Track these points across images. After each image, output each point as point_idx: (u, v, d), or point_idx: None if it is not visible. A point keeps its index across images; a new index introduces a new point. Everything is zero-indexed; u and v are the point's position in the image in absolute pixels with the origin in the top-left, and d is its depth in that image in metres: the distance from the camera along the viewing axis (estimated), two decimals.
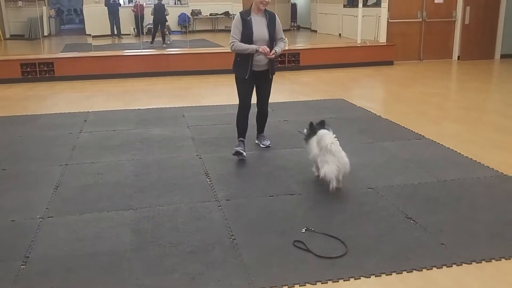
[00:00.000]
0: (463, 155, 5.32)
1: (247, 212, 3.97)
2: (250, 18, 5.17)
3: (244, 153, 5.29)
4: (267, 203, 4.14)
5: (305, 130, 4.90)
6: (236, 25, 5.18)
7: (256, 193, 4.36)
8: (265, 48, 5.07)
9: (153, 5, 16.25)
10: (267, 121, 5.81)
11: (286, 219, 3.83)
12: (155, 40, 15.76)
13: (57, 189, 4.52)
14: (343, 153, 4.31)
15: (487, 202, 4.12)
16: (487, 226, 3.67)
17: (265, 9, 5.23)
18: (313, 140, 4.61)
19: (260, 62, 5.21)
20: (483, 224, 3.71)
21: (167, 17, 15.99)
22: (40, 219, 3.89)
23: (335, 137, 4.39)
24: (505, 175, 4.71)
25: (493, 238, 3.49)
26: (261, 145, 5.74)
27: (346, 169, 4.29)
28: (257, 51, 5.09)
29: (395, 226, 3.69)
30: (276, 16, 5.34)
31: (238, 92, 5.40)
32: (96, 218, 3.89)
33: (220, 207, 4.06)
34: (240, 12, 5.27)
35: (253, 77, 5.25)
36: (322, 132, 4.55)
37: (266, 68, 5.28)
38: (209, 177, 4.76)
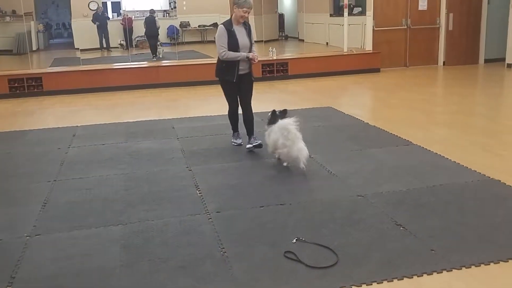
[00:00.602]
0: (450, 160, 5.36)
1: (238, 224, 3.97)
2: (233, 29, 5.72)
3: (241, 141, 6.13)
4: (258, 214, 4.14)
5: (268, 116, 5.53)
6: (222, 35, 5.71)
7: (247, 204, 4.37)
8: (254, 55, 5.77)
9: (144, 18, 16.17)
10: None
11: (277, 229, 3.83)
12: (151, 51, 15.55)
13: (45, 206, 4.49)
14: (301, 141, 5.09)
15: (475, 207, 4.15)
16: (476, 231, 3.70)
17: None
18: (275, 126, 5.29)
19: (244, 67, 5.84)
20: (472, 228, 3.74)
21: (158, 30, 15.87)
22: (27, 237, 3.84)
23: (296, 127, 5.12)
24: (491, 179, 4.75)
25: (482, 243, 3.52)
26: (254, 143, 5.94)
27: (302, 154, 4.98)
28: (247, 57, 5.72)
29: (385, 233, 3.70)
30: (250, 24, 5.99)
31: (225, 95, 6.03)
32: (85, 235, 3.86)
33: (210, 219, 4.06)
34: (223, 24, 5.79)
35: (238, 80, 5.83)
36: (285, 120, 5.23)
37: (247, 72, 5.90)
38: (199, 190, 4.75)
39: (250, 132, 6.05)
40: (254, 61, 5.79)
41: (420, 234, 3.66)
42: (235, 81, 5.81)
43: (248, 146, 5.98)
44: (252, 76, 6.02)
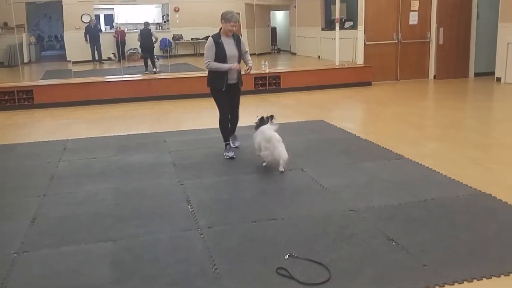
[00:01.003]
0: (441, 173, 5.36)
1: (229, 240, 3.93)
2: (221, 40, 6.08)
3: (233, 154, 6.31)
4: (250, 229, 4.11)
5: (257, 121, 5.97)
6: (210, 47, 6.10)
7: (238, 219, 4.33)
8: (237, 66, 6.11)
9: (139, 30, 16.09)
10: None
11: (269, 245, 3.80)
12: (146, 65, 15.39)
13: (34, 221, 4.43)
14: (282, 145, 5.53)
15: (467, 221, 4.14)
16: (467, 245, 3.69)
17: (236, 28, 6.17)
18: (258, 132, 5.80)
19: (233, 76, 6.21)
20: (463, 243, 3.73)
21: (154, 42, 15.74)
22: (15, 254, 3.77)
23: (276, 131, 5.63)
24: (483, 192, 4.75)
25: (474, 257, 3.50)
26: (233, 146, 6.57)
27: (281, 156, 5.49)
28: (230, 69, 6.06)
29: (377, 248, 3.69)
30: (240, 36, 6.43)
31: (217, 103, 6.35)
32: (74, 251, 3.81)
33: (202, 235, 4.02)
34: (212, 36, 6.16)
35: (227, 89, 6.18)
36: (267, 126, 5.75)
37: (236, 81, 6.28)
38: (190, 204, 4.72)
39: (232, 130, 6.62)
40: (237, 68, 6.16)
41: (412, 249, 3.64)
42: (224, 90, 6.18)
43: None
44: (240, 84, 6.39)
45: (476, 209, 4.40)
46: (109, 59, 18.65)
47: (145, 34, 15.27)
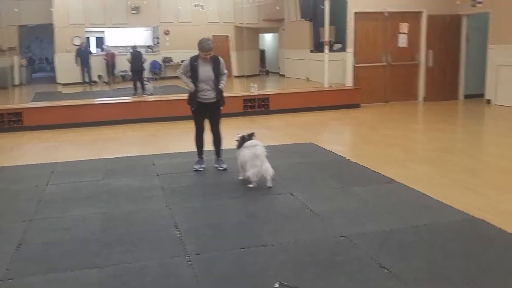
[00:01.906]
0: (433, 198, 5.33)
1: (218, 267, 3.85)
2: (197, 63, 6.44)
3: (203, 167, 6.69)
4: (239, 256, 4.04)
5: (237, 137, 6.09)
6: (185, 65, 6.56)
7: (227, 245, 4.26)
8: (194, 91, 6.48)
9: (129, 53, 16.05)
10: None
11: (259, 273, 3.73)
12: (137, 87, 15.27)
13: (19, 247, 4.34)
14: (267, 161, 5.69)
15: (460, 248, 4.10)
16: (462, 274, 3.64)
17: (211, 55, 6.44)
18: (244, 149, 5.88)
19: (208, 96, 6.51)
20: (458, 271, 3.68)
21: (144, 64, 15.66)
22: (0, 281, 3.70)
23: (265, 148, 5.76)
24: (475, 218, 4.72)
25: (469, 286, 3.46)
26: (219, 168, 6.73)
27: (268, 172, 5.66)
28: (194, 90, 6.46)
29: (368, 276, 3.62)
30: (220, 58, 6.62)
31: (193, 119, 6.75)
32: (60, 279, 3.72)
33: (189, 262, 3.94)
34: (190, 57, 6.55)
35: (201, 107, 6.55)
36: (253, 142, 5.87)
37: (214, 101, 6.54)
38: (178, 230, 4.64)
39: (217, 153, 6.83)
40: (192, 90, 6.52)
41: (405, 277, 3.59)
42: (195, 109, 6.59)
43: (214, 165, 6.79)
44: (219, 104, 6.62)
45: (469, 236, 4.36)
46: (95, 82, 18.62)
47: (136, 56, 15.21)
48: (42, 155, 8.22)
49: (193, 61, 6.47)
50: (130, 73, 16.23)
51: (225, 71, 6.69)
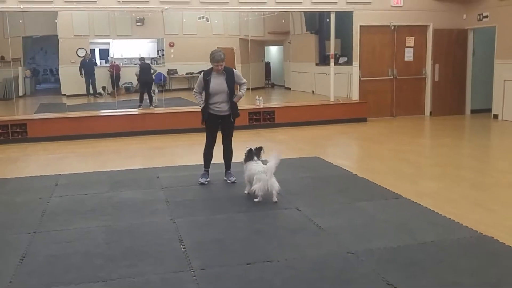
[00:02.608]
0: (441, 214, 5.26)
1: (223, 283, 3.80)
2: (210, 77, 6.49)
3: (208, 180, 6.70)
4: (244, 271, 3.98)
5: (246, 153, 6.08)
6: (199, 82, 6.60)
7: (233, 260, 4.21)
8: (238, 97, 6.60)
9: (138, 65, 16.03)
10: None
11: None
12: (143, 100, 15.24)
13: (23, 259, 4.30)
14: (273, 176, 5.69)
15: (469, 265, 4.03)
16: None
17: (224, 67, 6.46)
18: (252, 163, 5.91)
19: (220, 108, 6.54)
20: None
21: (153, 76, 15.62)
22: None
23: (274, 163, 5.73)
24: (484, 235, 4.65)
25: None
26: (228, 181, 6.76)
27: (274, 187, 5.68)
28: (200, 107, 6.66)
29: None
30: (234, 70, 6.69)
31: (205, 130, 6.75)
32: None
33: (194, 277, 3.89)
34: (203, 72, 6.62)
35: (214, 120, 6.60)
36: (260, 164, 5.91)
37: (227, 114, 6.57)
38: (183, 244, 4.59)
39: (227, 166, 6.87)
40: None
41: None
42: (208, 120, 6.60)
43: (224, 178, 6.83)
44: (233, 118, 6.62)
45: (478, 253, 4.29)
46: (99, 94, 18.64)
47: (145, 68, 15.17)
48: (47, 166, 8.20)
49: (206, 76, 6.52)
50: (134, 85, 16.22)
51: (244, 80, 6.72)
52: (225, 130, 6.73)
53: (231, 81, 6.53)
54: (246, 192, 6.08)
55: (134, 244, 4.62)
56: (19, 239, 4.80)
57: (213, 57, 6.37)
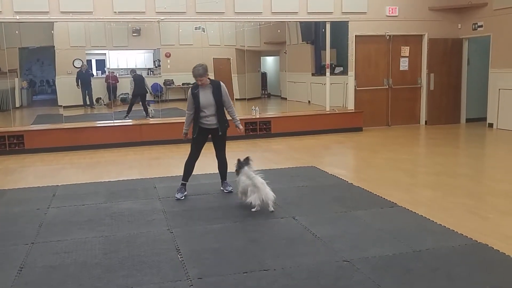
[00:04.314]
0: (436, 222, 5.30)
1: None
2: (198, 90, 6.45)
3: (185, 195, 6.60)
4: (241, 280, 4.01)
5: (235, 165, 6.19)
6: (189, 99, 6.55)
7: (229, 269, 4.23)
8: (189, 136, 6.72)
9: (131, 76, 16.09)
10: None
11: None
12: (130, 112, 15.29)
13: (21, 270, 4.32)
14: (267, 186, 5.78)
15: (464, 273, 4.06)
16: None
17: (210, 80, 6.48)
18: (244, 174, 5.94)
19: (209, 121, 6.50)
20: None
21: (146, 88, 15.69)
22: None
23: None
24: (479, 243, 4.69)
25: None
26: (225, 191, 6.80)
27: (269, 197, 5.72)
28: (184, 133, 6.75)
29: None
30: (221, 83, 6.55)
31: (191, 143, 6.70)
32: None
33: (191, 286, 3.91)
34: (191, 87, 6.58)
35: (203, 133, 6.57)
36: (248, 172, 5.91)
37: (215, 127, 6.51)
38: (180, 254, 4.61)
39: (222, 177, 6.88)
40: (186, 137, 6.79)
41: None
42: (196, 136, 6.57)
43: (221, 188, 6.87)
44: (220, 131, 6.54)
45: (473, 261, 4.33)
46: (97, 102, 18.65)
47: (139, 80, 15.26)
48: (44, 177, 8.22)
49: (194, 90, 6.51)
50: (130, 96, 16.27)
51: (231, 103, 6.65)
52: (217, 143, 6.69)
53: (218, 94, 6.45)
54: (240, 201, 6.17)
55: (132, 254, 4.64)
56: (17, 250, 4.81)
57: (193, 73, 6.35)
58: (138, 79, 15.23)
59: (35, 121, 13.88)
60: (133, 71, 15.62)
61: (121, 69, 19.83)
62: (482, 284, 3.86)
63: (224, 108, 6.57)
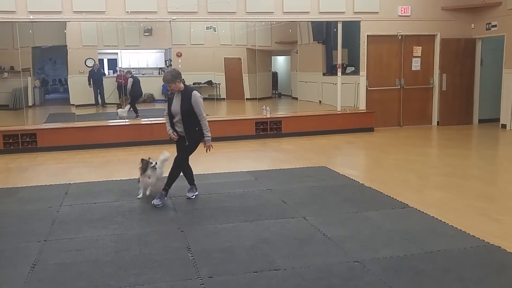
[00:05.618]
0: (448, 224, 5.28)
1: None
2: (173, 96, 6.32)
3: (162, 203, 6.27)
4: (251, 280, 4.02)
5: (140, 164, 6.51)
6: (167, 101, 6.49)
7: (240, 269, 4.25)
8: (174, 136, 6.46)
9: (131, 79, 16.31)
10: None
11: None
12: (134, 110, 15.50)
13: (34, 267, 4.36)
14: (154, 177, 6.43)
15: (476, 275, 4.05)
16: None
17: (185, 87, 6.28)
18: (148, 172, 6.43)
19: (179, 128, 6.33)
20: None
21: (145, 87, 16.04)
22: None
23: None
24: (491, 245, 4.66)
25: None
26: (187, 197, 6.62)
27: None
28: (169, 134, 6.50)
29: None
30: (194, 93, 6.22)
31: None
32: None
33: (202, 285, 3.93)
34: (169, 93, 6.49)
35: (180, 137, 6.40)
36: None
37: (183, 135, 6.34)
38: (191, 252, 4.64)
39: (188, 181, 6.76)
40: (174, 138, 6.56)
41: None
42: (176, 138, 6.48)
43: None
44: (187, 141, 6.33)
45: (485, 263, 4.31)
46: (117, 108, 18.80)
47: (137, 82, 15.65)
48: (56, 176, 8.28)
49: (170, 94, 6.45)
50: (143, 96, 16.47)
51: (202, 115, 6.26)
52: (180, 146, 6.50)
53: (186, 104, 6.15)
54: (140, 196, 6.58)
55: (143, 252, 4.67)
56: (30, 248, 4.86)
57: (162, 78, 6.26)
58: (136, 81, 15.69)
59: (48, 120, 13.98)
60: (129, 72, 15.89)
61: (133, 68, 19.92)
62: (494, 286, 3.84)
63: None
